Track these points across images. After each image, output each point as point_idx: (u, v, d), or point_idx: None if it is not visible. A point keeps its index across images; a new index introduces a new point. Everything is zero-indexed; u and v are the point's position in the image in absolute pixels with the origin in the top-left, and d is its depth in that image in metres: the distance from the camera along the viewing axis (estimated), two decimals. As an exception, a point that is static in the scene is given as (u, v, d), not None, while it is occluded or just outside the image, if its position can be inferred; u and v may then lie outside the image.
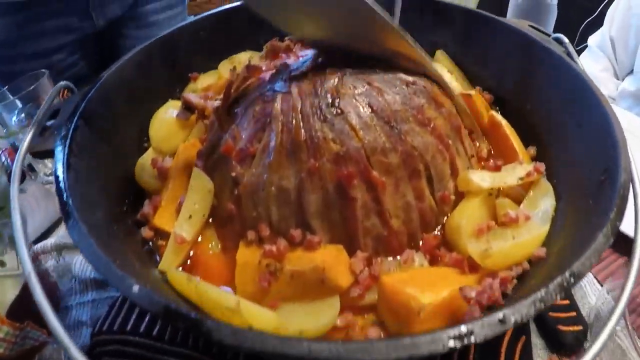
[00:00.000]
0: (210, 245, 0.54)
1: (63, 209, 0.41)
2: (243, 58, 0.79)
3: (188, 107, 0.65)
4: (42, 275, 0.64)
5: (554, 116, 0.63)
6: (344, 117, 0.46)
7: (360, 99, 0.48)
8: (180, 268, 0.52)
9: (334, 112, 0.46)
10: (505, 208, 0.54)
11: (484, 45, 0.75)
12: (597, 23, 1.37)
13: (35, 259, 0.68)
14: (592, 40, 1.32)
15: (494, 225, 0.52)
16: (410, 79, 0.52)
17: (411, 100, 0.50)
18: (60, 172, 0.44)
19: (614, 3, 1.29)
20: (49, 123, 0.55)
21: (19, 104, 0.85)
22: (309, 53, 0.58)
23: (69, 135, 0.50)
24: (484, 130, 0.68)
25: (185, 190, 0.56)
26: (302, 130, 0.46)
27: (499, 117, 0.67)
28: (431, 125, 0.50)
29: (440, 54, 0.80)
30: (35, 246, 0.71)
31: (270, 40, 0.78)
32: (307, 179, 0.45)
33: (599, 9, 1.55)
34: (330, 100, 0.47)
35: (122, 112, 0.62)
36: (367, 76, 0.50)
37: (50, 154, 0.53)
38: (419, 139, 0.48)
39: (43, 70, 0.89)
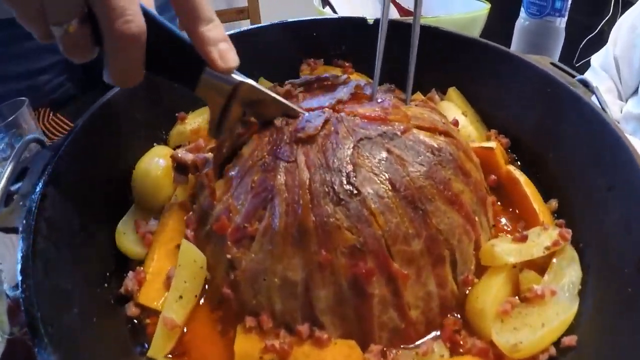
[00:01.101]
0: (203, 327, 0.48)
1: (30, 324, 0.34)
2: (237, 92, 0.72)
3: (181, 167, 0.58)
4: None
5: (580, 171, 0.58)
6: (362, 198, 0.39)
7: (379, 172, 0.41)
8: (170, 355, 0.46)
9: (350, 192, 0.39)
10: (530, 282, 0.49)
11: (501, 84, 0.68)
12: (597, 41, 1.32)
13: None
14: (595, 60, 1.26)
15: (517, 303, 0.47)
16: (435, 144, 0.45)
17: (437, 172, 0.43)
18: (24, 274, 0.37)
19: (617, 23, 1.24)
20: (14, 187, 0.47)
21: (-3, 133, 0.77)
22: (314, 104, 0.51)
23: (35, 212, 0.42)
24: (501, 182, 0.62)
25: (174, 260, 0.49)
26: (312, 214, 0.39)
27: (516, 173, 0.61)
28: (458, 202, 0.44)
29: (452, 91, 0.73)
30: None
31: (266, 79, 0.72)
32: (317, 272, 0.38)
33: (599, 27, 1.50)
34: (345, 176, 0.40)
35: (100, 169, 0.54)
36: (386, 139, 0.43)
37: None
38: (445, 220, 0.42)
39: (22, 98, 0.81)
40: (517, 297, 0.48)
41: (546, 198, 0.61)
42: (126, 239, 0.52)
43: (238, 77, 0.44)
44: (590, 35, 1.48)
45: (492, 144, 0.63)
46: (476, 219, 0.46)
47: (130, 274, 0.50)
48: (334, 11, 1.17)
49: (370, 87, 0.59)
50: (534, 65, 0.63)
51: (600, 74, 1.24)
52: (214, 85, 0.43)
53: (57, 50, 1.10)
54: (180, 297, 0.46)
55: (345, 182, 0.40)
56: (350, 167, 0.41)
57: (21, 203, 0.45)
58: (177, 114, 0.68)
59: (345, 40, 0.78)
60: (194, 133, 0.66)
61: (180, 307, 0.46)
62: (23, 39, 0.93)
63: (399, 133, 0.45)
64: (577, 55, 1.49)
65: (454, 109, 0.71)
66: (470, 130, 0.68)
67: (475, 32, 1.02)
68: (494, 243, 0.50)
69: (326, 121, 0.44)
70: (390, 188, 0.40)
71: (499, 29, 1.04)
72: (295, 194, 0.40)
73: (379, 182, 0.40)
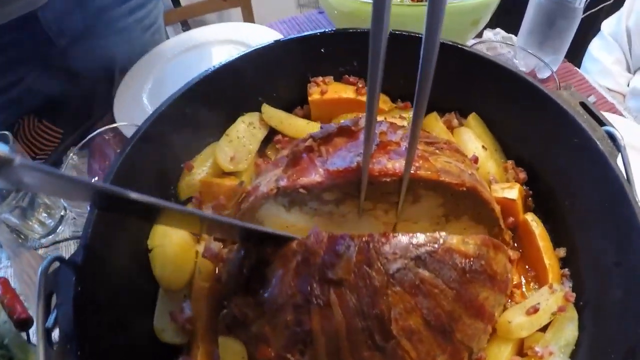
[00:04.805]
0: None
1: None
2: (241, 128, 0.65)
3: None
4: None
5: (592, 233, 0.56)
6: (396, 342, 0.39)
7: (412, 308, 0.40)
8: None
9: (386, 337, 0.39)
10: (533, 342, 0.52)
11: (526, 117, 0.63)
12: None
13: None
14: (606, 26, 1.16)
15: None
16: (467, 255, 0.43)
17: (467, 291, 0.43)
18: None
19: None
20: (49, 323, 0.43)
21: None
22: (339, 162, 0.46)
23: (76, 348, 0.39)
24: (517, 228, 0.61)
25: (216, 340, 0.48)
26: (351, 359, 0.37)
27: (533, 225, 0.60)
28: (482, 312, 0.44)
29: (473, 119, 0.67)
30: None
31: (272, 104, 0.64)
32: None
33: None
34: (380, 322, 0.39)
35: (123, 271, 0.51)
36: (420, 265, 0.41)
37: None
38: (469, 332, 0.43)
39: (5, 132, 0.73)
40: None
41: (555, 240, 0.61)
42: (167, 335, 0.52)
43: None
44: (606, 3, 1.34)
45: (514, 194, 0.60)
46: (495, 314, 0.47)
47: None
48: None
49: (393, 132, 0.54)
50: (563, 109, 0.57)
51: (610, 42, 1.15)
52: None
53: (31, 59, 0.98)
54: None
55: (381, 329, 0.39)
56: (385, 311, 0.40)
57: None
58: (182, 165, 0.61)
59: (357, 55, 0.69)
60: (204, 184, 0.61)
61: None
62: None
63: (432, 249, 0.42)
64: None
65: (473, 138, 0.66)
66: (489, 166, 0.64)
67: (488, 16, 0.91)
68: (509, 319, 0.51)
69: (357, 252, 0.40)
70: (422, 323, 0.40)
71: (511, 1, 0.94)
72: (333, 341, 0.40)
73: (412, 321, 0.40)
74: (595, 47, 1.16)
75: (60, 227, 0.83)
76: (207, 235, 0.54)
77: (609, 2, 1.33)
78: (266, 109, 0.67)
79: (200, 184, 0.61)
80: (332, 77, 0.69)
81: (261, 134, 0.65)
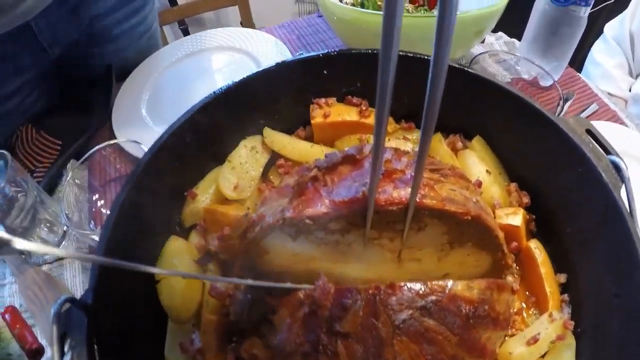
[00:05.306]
0: None
1: None
2: (243, 153, 0.64)
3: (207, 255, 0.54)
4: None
5: (593, 262, 0.57)
6: None
7: (415, 349, 0.41)
8: None
9: None
10: None
11: (531, 142, 0.63)
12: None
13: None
14: (609, 29, 1.14)
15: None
16: (471, 302, 0.43)
17: (471, 335, 0.44)
18: None
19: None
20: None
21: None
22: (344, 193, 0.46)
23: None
24: (520, 253, 0.62)
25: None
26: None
27: (536, 252, 0.60)
28: (485, 352, 0.45)
29: (477, 142, 0.67)
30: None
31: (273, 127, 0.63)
32: None
33: None
34: None
35: (137, 306, 0.51)
36: (425, 314, 0.41)
37: None
38: None
39: (3, 151, 0.71)
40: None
41: (556, 264, 0.61)
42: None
43: None
44: (607, 3, 1.31)
45: (518, 220, 0.60)
46: (497, 349, 0.48)
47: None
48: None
49: (398, 160, 0.54)
50: (570, 137, 0.57)
51: (612, 46, 1.13)
52: None
53: (25, 69, 0.96)
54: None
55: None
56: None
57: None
58: (185, 193, 0.61)
59: (360, 75, 0.68)
60: (208, 212, 0.60)
61: None
62: None
63: (438, 298, 0.42)
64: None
65: (477, 162, 0.65)
66: (493, 191, 0.64)
67: (492, 26, 0.90)
68: (510, 350, 0.52)
69: (364, 305, 0.40)
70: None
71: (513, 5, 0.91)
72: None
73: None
74: (598, 50, 1.15)
75: (63, 243, 0.83)
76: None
77: (610, 2, 1.31)
78: (268, 132, 0.66)
79: (204, 212, 0.60)
80: (334, 98, 0.68)
81: (264, 158, 0.65)
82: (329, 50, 0.65)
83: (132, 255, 0.53)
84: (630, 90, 1.11)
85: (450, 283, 0.43)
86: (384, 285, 0.42)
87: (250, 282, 0.42)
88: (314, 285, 0.43)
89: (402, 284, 0.42)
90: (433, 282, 0.43)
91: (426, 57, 0.64)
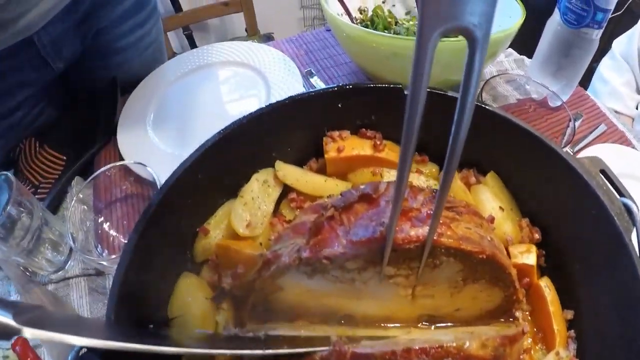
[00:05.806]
0: None
1: None
2: (255, 187, 0.63)
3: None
4: None
5: (600, 305, 0.57)
6: None
7: None
8: None
9: None
10: None
11: (545, 180, 0.62)
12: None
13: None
14: (617, 46, 1.13)
15: None
16: (489, 338, 0.43)
17: None
18: None
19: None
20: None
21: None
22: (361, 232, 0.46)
23: None
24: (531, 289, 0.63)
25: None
26: None
27: (546, 291, 0.60)
28: None
29: (491, 178, 0.66)
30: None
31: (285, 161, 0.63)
32: None
33: (626, 5, 1.30)
34: None
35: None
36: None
37: None
38: None
39: (6, 172, 0.70)
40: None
41: (563, 300, 0.62)
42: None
43: None
44: (617, 13, 1.30)
45: (532, 259, 0.60)
46: None
47: None
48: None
49: (414, 198, 0.54)
50: (583, 178, 0.57)
51: (620, 63, 1.12)
52: None
53: (28, 84, 0.95)
54: None
55: None
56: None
57: None
58: (198, 229, 0.60)
59: (375, 109, 0.67)
60: (221, 248, 0.60)
61: None
62: None
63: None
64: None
65: (490, 198, 0.65)
66: (506, 227, 0.64)
67: (506, 45, 0.88)
68: None
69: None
70: None
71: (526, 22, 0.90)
72: None
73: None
74: (606, 66, 1.14)
75: (69, 263, 0.82)
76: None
77: (618, 13, 1.29)
78: (280, 166, 0.65)
79: (216, 248, 0.60)
80: (348, 131, 0.67)
81: (276, 192, 0.64)
82: (344, 84, 0.64)
83: (145, 296, 0.53)
84: (637, 108, 1.10)
85: (467, 343, 0.43)
86: (400, 349, 0.42)
87: (260, 352, 0.41)
88: (328, 347, 0.43)
89: (417, 347, 0.42)
90: (448, 344, 0.43)
91: (441, 92, 0.64)
